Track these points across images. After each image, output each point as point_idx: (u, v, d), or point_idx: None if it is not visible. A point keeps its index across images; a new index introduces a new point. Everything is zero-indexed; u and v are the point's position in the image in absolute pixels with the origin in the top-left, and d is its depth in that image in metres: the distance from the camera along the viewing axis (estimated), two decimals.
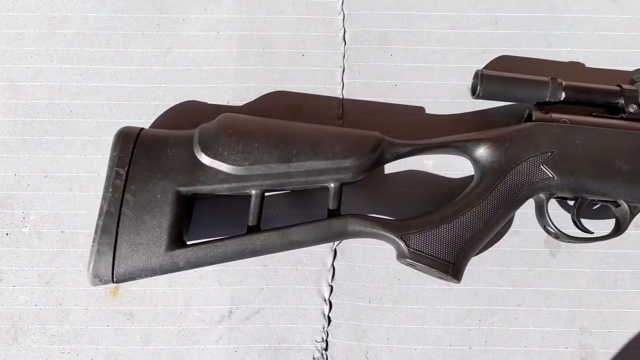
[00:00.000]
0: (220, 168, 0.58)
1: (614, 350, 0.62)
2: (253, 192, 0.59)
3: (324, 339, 0.62)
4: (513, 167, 0.59)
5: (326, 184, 0.60)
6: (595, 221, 0.64)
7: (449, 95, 0.67)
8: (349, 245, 0.64)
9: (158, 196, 0.57)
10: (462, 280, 0.62)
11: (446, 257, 0.57)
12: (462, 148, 0.61)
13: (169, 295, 0.63)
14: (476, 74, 0.63)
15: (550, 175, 0.58)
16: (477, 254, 0.63)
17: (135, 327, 0.62)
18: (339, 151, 0.59)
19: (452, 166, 0.65)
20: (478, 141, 0.60)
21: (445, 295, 0.63)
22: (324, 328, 0.62)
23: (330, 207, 0.59)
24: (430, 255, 0.57)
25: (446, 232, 0.58)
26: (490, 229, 0.59)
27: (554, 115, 0.61)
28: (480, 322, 0.63)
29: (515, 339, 0.62)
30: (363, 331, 0.63)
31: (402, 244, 0.57)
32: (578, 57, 0.69)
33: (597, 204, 0.64)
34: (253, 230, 0.58)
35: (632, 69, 0.68)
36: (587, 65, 0.68)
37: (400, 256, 0.58)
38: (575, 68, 0.68)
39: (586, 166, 0.59)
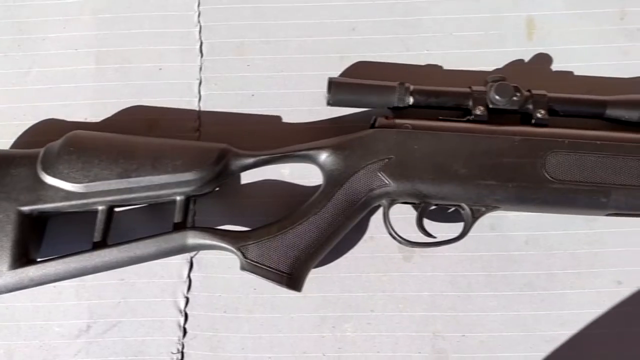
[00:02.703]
0: (60, 186, 0.59)
1: (467, 354, 0.62)
2: (99, 208, 0.60)
3: (180, 350, 0.63)
4: (352, 175, 0.59)
5: (173, 198, 0.61)
6: (451, 225, 0.64)
7: (307, 103, 0.67)
8: (205, 257, 0.64)
9: (0, 216, 0.59)
10: (317, 288, 0.63)
11: (281, 267, 0.57)
12: (307, 157, 0.61)
13: (30, 310, 0.64)
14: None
15: (387, 182, 0.58)
16: (330, 261, 0.64)
17: None
18: (180, 165, 0.60)
19: (309, 175, 0.65)
20: (320, 149, 0.60)
21: (300, 304, 0.63)
22: (179, 339, 0.63)
23: (175, 220, 0.60)
24: (266, 266, 0.58)
25: (282, 242, 0.58)
26: (330, 237, 0.59)
27: (398, 121, 0.61)
28: (334, 328, 0.63)
29: (368, 345, 0.62)
30: (218, 341, 0.63)
31: (240, 255, 0.58)
32: (437, 59, 0.68)
33: (451, 208, 0.64)
34: (98, 245, 0.60)
35: (491, 68, 0.68)
36: (446, 67, 0.68)
37: (240, 267, 0.58)
38: (432, 71, 0.68)
39: (423, 171, 0.58)
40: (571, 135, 0.59)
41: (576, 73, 0.67)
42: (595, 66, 0.67)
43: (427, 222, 0.64)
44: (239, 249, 0.58)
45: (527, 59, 0.68)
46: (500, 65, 0.68)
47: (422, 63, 0.68)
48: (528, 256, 0.63)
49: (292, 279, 0.58)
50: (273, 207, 0.65)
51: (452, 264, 0.64)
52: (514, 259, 0.63)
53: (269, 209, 0.64)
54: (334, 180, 0.59)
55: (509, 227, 0.64)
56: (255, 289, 0.63)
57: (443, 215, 0.64)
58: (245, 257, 0.58)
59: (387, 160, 0.59)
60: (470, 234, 0.62)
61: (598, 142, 0.58)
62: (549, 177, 0.57)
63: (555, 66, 0.67)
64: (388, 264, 0.64)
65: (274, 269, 0.58)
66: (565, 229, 0.63)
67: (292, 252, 0.58)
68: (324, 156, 0.60)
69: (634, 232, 0.63)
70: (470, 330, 0.62)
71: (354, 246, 0.64)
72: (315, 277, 0.63)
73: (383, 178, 0.59)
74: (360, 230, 0.64)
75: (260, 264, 0.58)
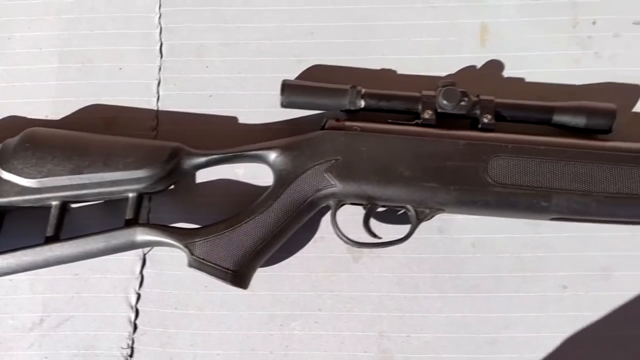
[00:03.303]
0: (15, 181, 0.60)
1: (412, 354, 0.62)
2: (53, 203, 0.61)
3: (130, 345, 0.64)
4: (299, 175, 0.60)
5: (125, 195, 0.62)
6: (400, 226, 0.64)
7: (263, 104, 0.68)
8: (158, 254, 0.65)
9: None
10: (266, 287, 0.64)
11: (226, 264, 0.58)
12: (257, 157, 0.62)
13: None
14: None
15: (333, 183, 0.59)
16: (280, 260, 0.65)
17: None
18: (131, 162, 0.61)
19: (263, 175, 0.65)
20: (270, 149, 0.62)
21: (249, 302, 0.64)
22: (130, 335, 0.64)
23: (127, 217, 0.61)
24: (211, 263, 0.59)
25: (228, 240, 0.59)
26: (276, 236, 0.60)
27: (348, 123, 0.62)
28: (282, 327, 0.64)
29: (315, 344, 0.63)
30: (168, 337, 0.64)
31: (187, 252, 0.59)
32: (393, 64, 0.69)
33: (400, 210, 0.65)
34: (50, 240, 0.61)
35: (445, 74, 0.69)
36: (402, 72, 0.69)
37: (187, 264, 0.59)
38: (387, 75, 0.69)
39: (369, 172, 0.59)
40: (515, 140, 0.60)
41: (528, 79, 0.68)
42: (547, 73, 0.68)
43: (377, 224, 0.65)
44: (186, 246, 0.59)
45: (480, 65, 0.68)
46: (454, 71, 0.69)
47: (379, 67, 0.69)
48: (475, 259, 0.64)
49: (237, 276, 0.59)
50: (227, 206, 0.65)
51: (400, 265, 0.64)
52: (461, 262, 0.64)
53: (223, 208, 0.65)
54: (282, 180, 0.61)
55: (456, 230, 0.65)
56: (206, 287, 0.64)
57: (393, 217, 0.65)
58: (192, 254, 0.59)
59: (333, 161, 0.60)
60: (418, 236, 0.63)
61: (542, 147, 0.59)
62: (490, 180, 0.58)
63: (507, 72, 0.68)
64: (337, 264, 0.65)
65: (219, 266, 0.59)
66: (512, 233, 0.64)
67: (237, 250, 0.59)
68: (273, 156, 0.61)
69: (579, 237, 0.63)
70: (415, 330, 0.63)
71: (304, 246, 0.65)
72: (265, 275, 0.64)
73: (329, 179, 0.60)
74: (311, 230, 0.65)
75: (207, 261, 0.59)
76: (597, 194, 0.57)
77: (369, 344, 0.63)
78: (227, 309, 0.64)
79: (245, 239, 0.59)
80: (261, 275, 0.64)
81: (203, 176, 0.67)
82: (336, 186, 0.59)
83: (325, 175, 0.60)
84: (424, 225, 0.64)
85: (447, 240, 0.64)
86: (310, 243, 0.65)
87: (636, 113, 0.66)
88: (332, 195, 0.60)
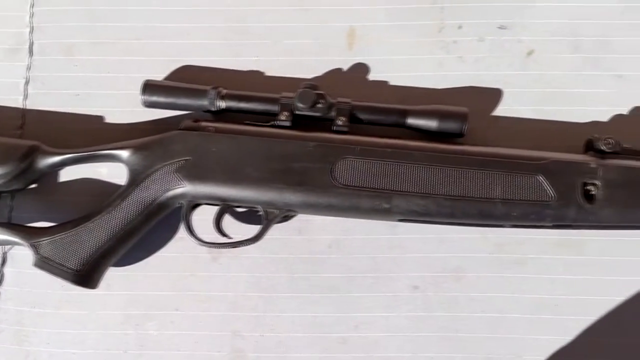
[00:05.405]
0: None
1: (265, 353, 0.63)
2: None
3: None
4: (149, 175, 0.60)
5: None
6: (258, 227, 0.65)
7: (131, 104, 0.68)
8: (19, 252, 0.65)
9: None
10: (124, 286, 0.65)
11: (69, 264, 0.59)
12: (112, 156, 0.62)
13: None
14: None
15: (182, 183, 0.60)
16: (140, 260, 0.65)
17: None
18: None
19: (125, 173, 0.66)
20: (124, 149, 0.62)
21: (107, 301, 0.65)
22: None
23: None
24: (55, 262, 0.59)
25: (73, 240, 0.59)
26: (125, 236, 0.60)
27: (204, 124, 0.62)
28: (138, 326, 0.64)
29: (169, 343, 0.64)
30: (25, 335, 0.64)
31: (33, 251, 0.59)
32: (265, 66, 0.70)
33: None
34: None
35: (312, 76, 0.69)
36: (271, 74, 0.69)
37: (32, 263, 0.59)
38: (256, 77, 0.69)
39: (218, 173, 0.60)
40: (363, 143, 0.60)
41: (392, 83, 0.68)
42: (411, 77, 0.68)
43: (237, 224, 0.65)
44: (32, 245, 0.59)
45: (346, 68, 0.69)
46: (321, 74, 0.69)
47: (249, 69, 0.70)
48: (331, 259, 0.65)
49: (82, 277, 0.59)
50: (89, 206, 0.65)
51: (258, 265, 0.65)
52: (317, 262, 0.65)
53: (85, 207, 0.65)
54: (133, 180, 0.61)
55: (315, 231, 0.65)
56: (63, 286, 0.64)
57: (254, 217, 0.65)
58: (38, 253, 0.59)
59: (183, 161, 0.60)
60: (277, 236, 0.64)
61: (389, 150, 0.60)
62: (334, 182, 0.59)
63: (372, 76, 0.69)
64: (196, 264, 0.65)
65: (62, 265, 0.59)
66: (368, 234, 0.65)
67: (82, 250, 0.59)
68: (126, 156, 0.61)
69: (432, 238, 0.64)
70: (269, 330, 0.64)
71: (164, 245, 0.65)
72: (123, 275, 0.65)
73: (178, 179, 0.60)
74: (171, 230, 0.65)
75: (51, 260, 0.59)
76: (437, 197, 0.58)
77: (223, 344, 0.63)
78: (83, 309, 0.64)
79: (90, 238, 0.59)
80: (119, 275, 0.64)
81: (67, 175, 0.67)
82: (185, 186, 0.60)
83: (174, 175, 0.60)
84: (284, 226, 0.65)
85: (304, 241, 0.65)
86: (170, 243, 0.65)
87: (495, 117, 0.68)
88: (182, 195, 0.60)
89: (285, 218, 0.65)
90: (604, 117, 0.67)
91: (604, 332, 0.63)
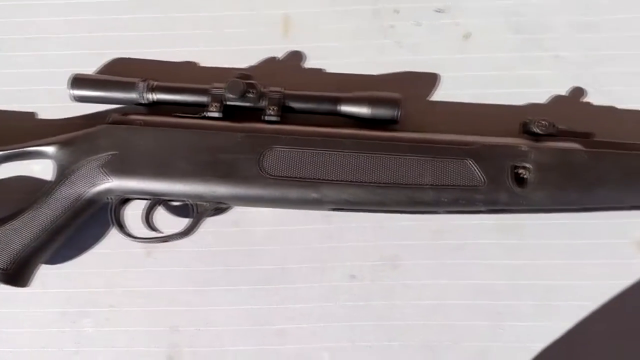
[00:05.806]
0: None
1: (200, 347, 0.62)
2: None
3: None
4: (75, 171, 0.59)
5: None
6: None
7: (65, 99, 0.66)
8: None
9: None
10: (59, 284, 0.64)
11: None
12: (39, 153, 0.61)
13: None
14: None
15: (107, 178, 0.59)
16: (74, 257, 0.64)
17: None
18: None
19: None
20: (50, 145, 0.61)
21: (42, 299, 0.64)
22: None
23: None
24: None
25: (0, 239, 0.58)
26: (53, 233, 0.59)
27: (132, 117, 0.61)
28: (74, 324, 0.63)
29: (105, 340, 0.63)
30: None
31: None
32: (197, 56, 0.69)
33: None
34: None
35: (246, 66, 0.68)
36: (206, 64, 0.68)
37: None
38: (190, 68, 0.68)
39: (145, 167, 0.59)
40: (293, 132, 0.59)
41: (329, 70, 0.67)
42: (348, 64, 0.67)
43: (171, 218, 0.64)
44: None
45: (282, 56, 0.68)
46: (256, 63, 0.68)
47: (182, 60, 0.69)
48: (266, 251, 0.64)
49: (9, 275, 0.58)
50: (22, 204, 0.65)
51: (192, 259, 0.64)
52: (253, 254, 0.64)
53: (19, 205, 0.64)
54: (59, 176, 0.60)
55: (250, 223, 0.64)
56: None
57: (187, 211, 0.64)
58: None
59: (109, 156, 0.59)
60: (212, 229, 0.63)
61: (319, 139, 0.59)
62: (262, 172, 0.58)
63: (309, 63, 0.68)
64: (131, 260, 0.64)
65: None
66: (304, 224, 0.64)
67: (9, 248, 0.58)
68: (53, 151, 0.60)
69: (369, 227, 0.63)
70: (205, 324, 0.63)
71: (98, 242, 0.65)
72: (58, 272, 0.64)
73: (104, 174, 0.59)
74: (104, 225, 0.64)
75: None
76: (367, 185, 0.57)
77: (159, 339, 0.63)
78: (18, 307, 0.63)
79: (17, 236, 0.58)
80: (54, 273, 0.64)
81: (2, 172, 0.66)
82: (111, 182, 0.59)
83: (100, 170, 0.59)
84: (219, 218, 0.64)
85: (239, 233, 0.64)
86: (104, 239, 0.65)
87: (432, 102, 0.67)
88: (109, 191, 0.59)
89: (220, 211, 0.64)
90: (542, 99, 0.66)
91: (542, 317, 0.62)
